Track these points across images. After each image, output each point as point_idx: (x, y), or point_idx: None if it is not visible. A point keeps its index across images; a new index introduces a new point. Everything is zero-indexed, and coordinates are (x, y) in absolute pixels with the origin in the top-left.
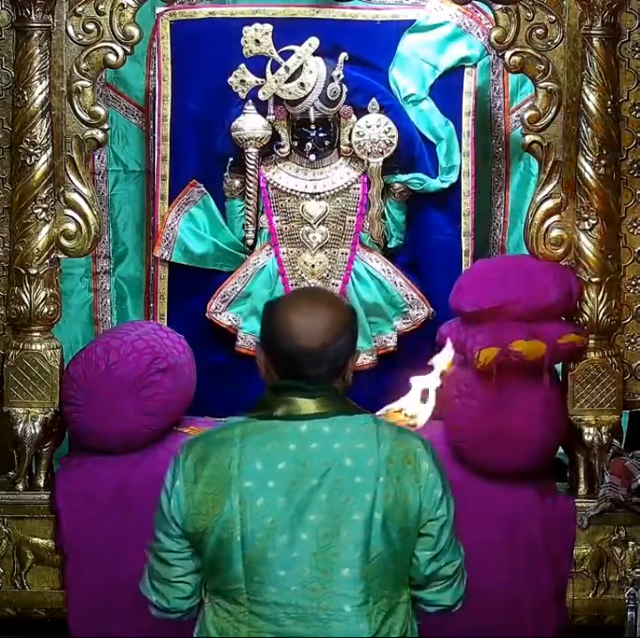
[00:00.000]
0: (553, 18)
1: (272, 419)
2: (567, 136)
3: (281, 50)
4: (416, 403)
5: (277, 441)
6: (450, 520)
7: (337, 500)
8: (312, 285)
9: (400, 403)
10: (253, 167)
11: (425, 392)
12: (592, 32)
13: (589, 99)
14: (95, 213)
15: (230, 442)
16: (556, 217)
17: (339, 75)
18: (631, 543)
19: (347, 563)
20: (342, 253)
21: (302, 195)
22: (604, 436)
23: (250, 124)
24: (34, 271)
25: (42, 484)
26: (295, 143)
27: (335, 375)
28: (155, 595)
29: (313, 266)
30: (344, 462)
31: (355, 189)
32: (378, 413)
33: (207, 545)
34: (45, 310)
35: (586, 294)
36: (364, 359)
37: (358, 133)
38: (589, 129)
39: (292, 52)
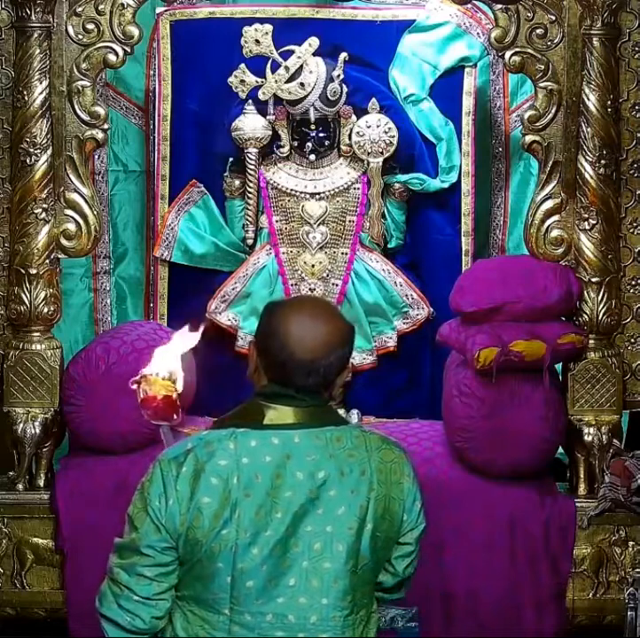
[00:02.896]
0: (553, 18)
1: (263, 429)
2: (567, 136)
3: (281, 50)
4: (165, 366)
5: (274, 453)
6: (425, 529)
7: (332, 512)
8: (315, 295)
9: (151, 369)
10: (253, 167)
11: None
12: (592, 32)
13: (589, 99)
14: (95, 213)
15: (225, 454)
16: (556, 217)
17: (339, 75)
18: (631, 543)
19: (338, 574)
20: (342, 253)
21: (302, 195)
22: (604, 436)
23: (250, 124)
24: (34, 271)
25: (42, 484)
26: (295, 143)
27: (323, 388)
28: (128, 615)
29: (313, 266)
30: (338, 474)
31: (355, 189)
32: (133, 379)
33: (196, 555)
34: (45, 310)
35: (586, 294)
36: (364, 359)
37: (358, 133)
38: (589, 129)
39: (292, 52)
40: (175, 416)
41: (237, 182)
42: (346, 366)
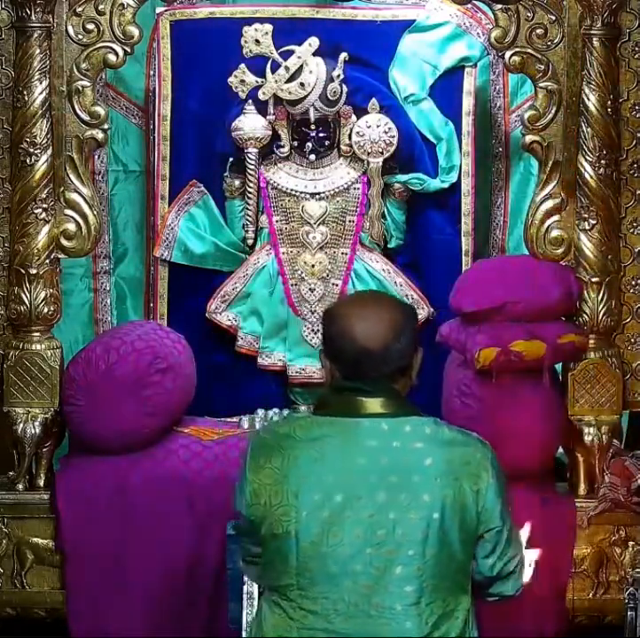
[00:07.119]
0: (553, 18)
1: (331, 416)
2: (567, 136)
3: (281, 50)
4: None
5: (336, 438)
6: (508, 525)
7: (393, 498)
8: (371, 289)
9: None
10: (253, 167)
11: None
12: (592, 32)
13: (589, 99)
14: (95, 213)
15: (291, 437)
16: (556, 217)
17: (339, 75)
18: (631, 543)
19: (400, 561)
20: (342, 253)
21: (302, 195)
22: (604, 436)
23: (250, 124)
24: (34, 271)
25: (42, 484)
26: (295, 144)
27: (399, 375)
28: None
29: (313, 266)
30: (402, 460)
31: (355, 189)
32: None
33: (263, 538)
34: (45, 310)
35: (586, 294)
36: None
37: (358, 133)
38: (589, 129)
39: (292, 52)
40: None
41: (237, 182)
42: (417, 347)
